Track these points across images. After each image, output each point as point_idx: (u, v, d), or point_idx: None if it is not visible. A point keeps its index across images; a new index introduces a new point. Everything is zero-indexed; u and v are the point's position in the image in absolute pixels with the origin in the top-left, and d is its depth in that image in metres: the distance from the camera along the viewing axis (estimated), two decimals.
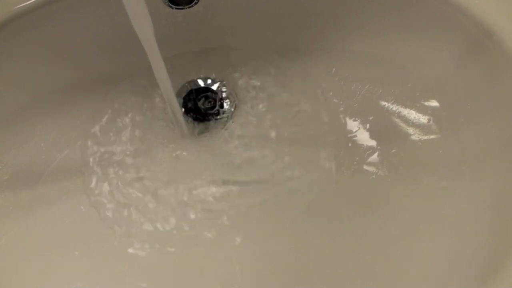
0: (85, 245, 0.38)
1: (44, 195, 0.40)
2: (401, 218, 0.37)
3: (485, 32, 0.35)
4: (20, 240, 0.38)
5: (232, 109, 0.43)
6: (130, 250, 0.38)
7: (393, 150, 0.40)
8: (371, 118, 0.41)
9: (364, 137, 0.41)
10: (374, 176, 0.39)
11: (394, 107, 0.41)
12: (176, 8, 0.39)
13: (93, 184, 0.40)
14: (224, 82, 0.44)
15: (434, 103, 0.40)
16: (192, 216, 0.39)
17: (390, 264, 0.35)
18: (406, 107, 0.41)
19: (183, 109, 0.43)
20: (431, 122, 0.40)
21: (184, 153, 0.41)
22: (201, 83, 0.44)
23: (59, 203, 0.39)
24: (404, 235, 0.36)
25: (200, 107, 0.43)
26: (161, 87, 0.32)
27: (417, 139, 0.40)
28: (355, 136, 0.41)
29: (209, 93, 0.44)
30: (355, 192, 0.39)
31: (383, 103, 0.42)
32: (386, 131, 0.41)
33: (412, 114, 0.41)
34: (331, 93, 0.43)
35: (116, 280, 0.37)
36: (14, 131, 0.40)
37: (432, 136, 0.39)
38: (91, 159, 0.41)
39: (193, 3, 0.39)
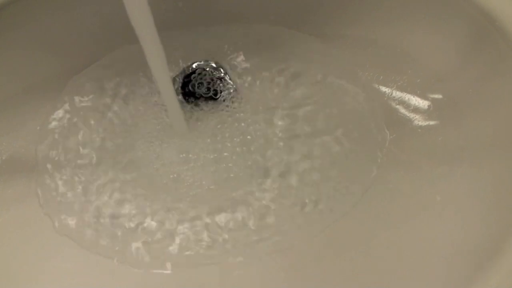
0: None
1: None
2: (400, 204, 0.37)
3: (490, 19, 0.34)
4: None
5: (231, 92, 0.43)
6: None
7: (392, 136, 0.40)
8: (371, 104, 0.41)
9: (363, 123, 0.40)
10: None
11: (395, 93, 0.41)
12: None
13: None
14: (224, 64, 0.44)
15: (435, 90, 0.40)
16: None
17: (389, 250, 0.36)
18: (407, 93, 0.41)
19: (181, 95, 0.43)
20: (431, 109, 0.39)
21: (176, 144, 0.41)
22: (199, 66, 0.44)
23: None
24: (402, 220, 0.36)
25: (199, 91, 0.43)
26: (156, 74, 0.31)
27: (417, 125, 0.39)
28: (355, 121, 0.41)
29: (208, 77, 0.44)
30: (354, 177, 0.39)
31: (384, 89, 0.41)
32: (386, 117, 0.40)
33: (413, 101, 0.40)
34: (331, 78, 0.42)
35: None
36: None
37: (432, 123, 0.39)
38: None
39: None
